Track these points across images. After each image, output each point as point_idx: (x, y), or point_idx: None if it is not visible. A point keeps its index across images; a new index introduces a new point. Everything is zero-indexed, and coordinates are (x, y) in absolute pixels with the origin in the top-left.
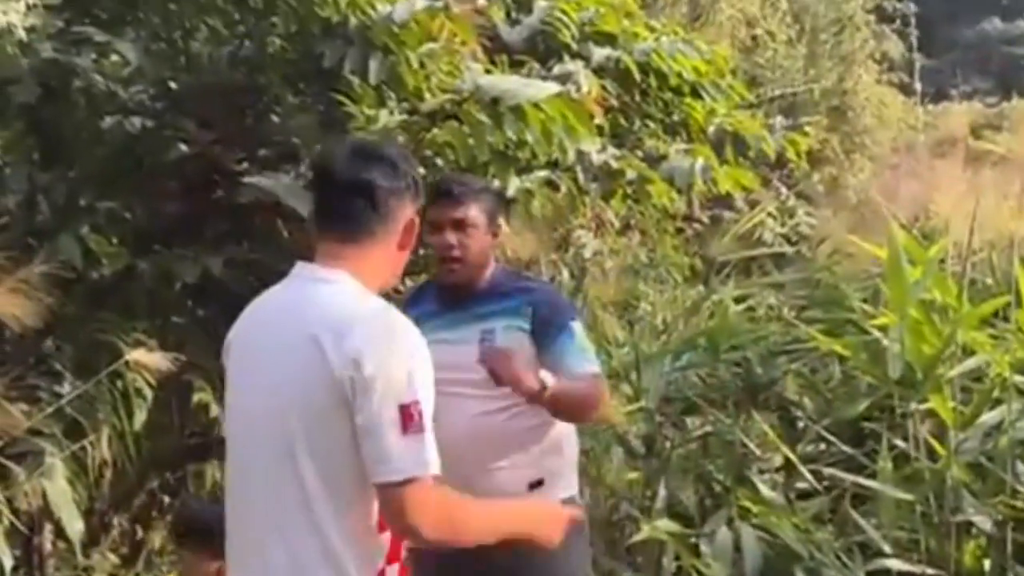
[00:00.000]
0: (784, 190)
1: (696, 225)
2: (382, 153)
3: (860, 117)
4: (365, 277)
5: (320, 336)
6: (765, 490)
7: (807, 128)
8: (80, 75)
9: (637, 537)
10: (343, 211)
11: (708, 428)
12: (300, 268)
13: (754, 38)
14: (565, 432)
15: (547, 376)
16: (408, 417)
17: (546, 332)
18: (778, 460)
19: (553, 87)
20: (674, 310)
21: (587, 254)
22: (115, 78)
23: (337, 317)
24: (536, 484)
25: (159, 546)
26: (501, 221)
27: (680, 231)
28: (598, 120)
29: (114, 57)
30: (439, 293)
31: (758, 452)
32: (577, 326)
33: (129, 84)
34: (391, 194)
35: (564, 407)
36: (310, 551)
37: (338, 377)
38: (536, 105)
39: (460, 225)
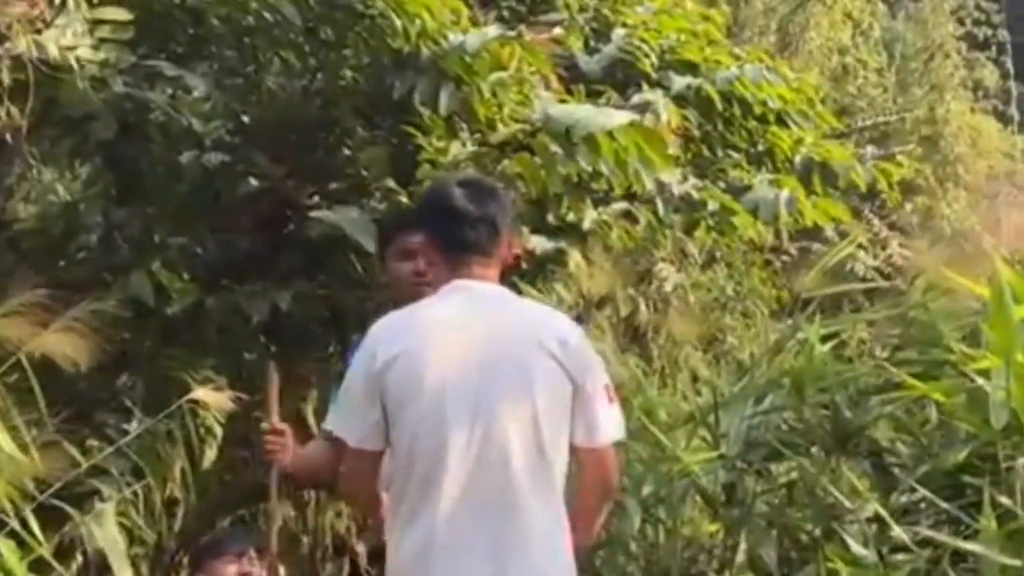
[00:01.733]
0: (876, 221)
1: (784, 257)
2: (493, 188)
3: (953, 146)
4: None
5: (542, 336)
6: (855, 546)
7: (899, 158)
8: (156, 110)
9: None
10: (472, 238)
11: (793, 476)
12: (459, 283)
13: (844, 67)
14: None
15: None
16: (610, 392)
17: None
18: (868, 511)
19: (626, 116)
20: (760, 345)
21: (668, 288)
22: (192, 113)
23: (543, 318)
24: None
25: None
26: None
27: (768, 263)
28: (676, 150)
29: (194, 93)
30: None
31: (847, 503)
32: None
33: (207, 120)
34: (505, 220)
35: None
36: (560, 509)
37: (566, 367)
38: (610, 134)
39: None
